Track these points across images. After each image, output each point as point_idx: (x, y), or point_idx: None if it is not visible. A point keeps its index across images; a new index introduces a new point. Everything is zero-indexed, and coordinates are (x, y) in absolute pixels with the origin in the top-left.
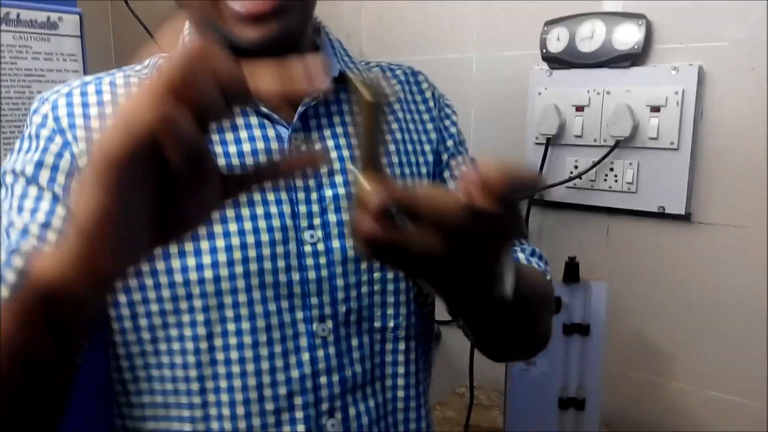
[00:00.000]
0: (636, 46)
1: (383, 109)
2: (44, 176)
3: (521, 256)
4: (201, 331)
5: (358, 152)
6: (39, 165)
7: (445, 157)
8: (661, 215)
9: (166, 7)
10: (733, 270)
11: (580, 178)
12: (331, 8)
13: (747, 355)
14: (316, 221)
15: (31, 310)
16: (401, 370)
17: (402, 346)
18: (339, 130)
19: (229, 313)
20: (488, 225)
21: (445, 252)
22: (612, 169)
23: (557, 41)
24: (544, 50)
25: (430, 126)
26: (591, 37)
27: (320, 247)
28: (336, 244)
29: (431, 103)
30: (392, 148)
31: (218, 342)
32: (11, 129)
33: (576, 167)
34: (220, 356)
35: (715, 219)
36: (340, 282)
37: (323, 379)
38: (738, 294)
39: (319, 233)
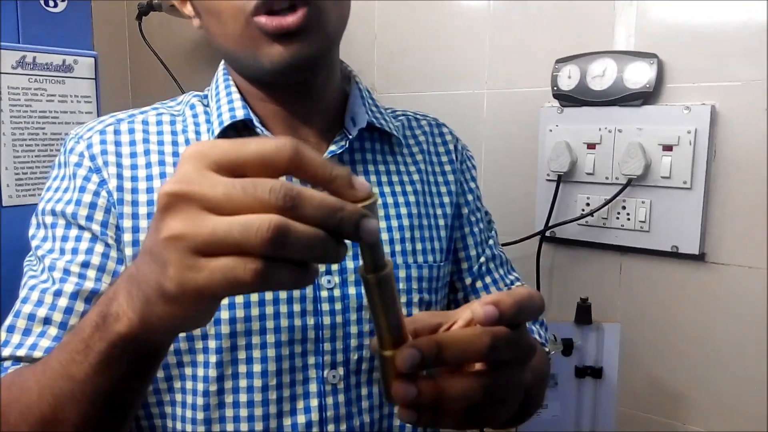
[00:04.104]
0: (648, 85)
1: (386, 282)
2: (83, 214)
3: None
4: (212, 372)
5: (375, 328)
6: (78, 204)
7: (465, 211)
8: (674, 254)
9: (183, 44)
10: (748, 311)
11: (592, 216)
12: (344, 43)
13: (762, 397)
14: (334, 267)
15: (117, 359)
16: None
17: None
18: (362, 179)
19: (242, 355)
20: (511, 352)
21: (481, 389)
22: (624, 208)
23: (568, 79)
24: (555, 88)
25: (451, 177)
26: (602, 75)
27: (336, 292)
28: (352, 290)
29: (454, 156)
30: (412, 198)
31: (228, 384)
32: (24, 170)
33: (588, 205)
34: (228, 399)
35: (729, 259)
36: (353, 329)
37: (331, 427)
38: (752, 335)
39: (336, 279)
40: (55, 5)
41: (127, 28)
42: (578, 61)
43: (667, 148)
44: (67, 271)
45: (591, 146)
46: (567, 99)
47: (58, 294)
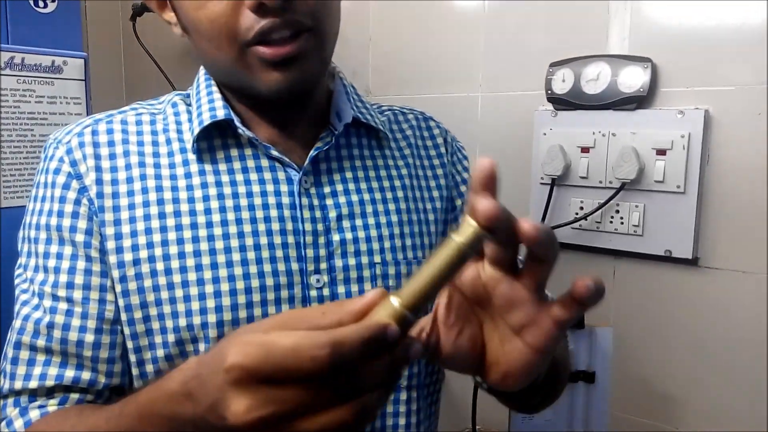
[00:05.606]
0: (641, 89)
1: (461, 254)
2: (66, 225)
3: None
4: None
5: (412, 281)
6: (60, 215)
7: (459, 202)
8: (667, 259)
9: (177, 45)
10: (740, 316)
11: (586, 220)
12: (339, 45)
13: (755, 402)
14: (323, 266)
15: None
16: (402, 421)
17: (403, 396)
18: (349, 175)
19: None
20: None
21: None
22: (618, 212)
23: (562, 82)
24: (549, 91)
25: (440, 171)
26: (596, 79)
27: (326, 292)
28: (341, 289)
29: (443, 149)
30: (400, 194)
31: None
32: (12, 172)
33: (581, 208)
34: None
35: (722, 264)
36: None
37: None
38: (745, 340)
39: (325, 278)
40: (45, 6)
41: (121, 28)
42: (572, 64)
43: (661, 152)
44: (55, 297)
45: (585, 150)
46: (561, 102)
47: (50, 326)
